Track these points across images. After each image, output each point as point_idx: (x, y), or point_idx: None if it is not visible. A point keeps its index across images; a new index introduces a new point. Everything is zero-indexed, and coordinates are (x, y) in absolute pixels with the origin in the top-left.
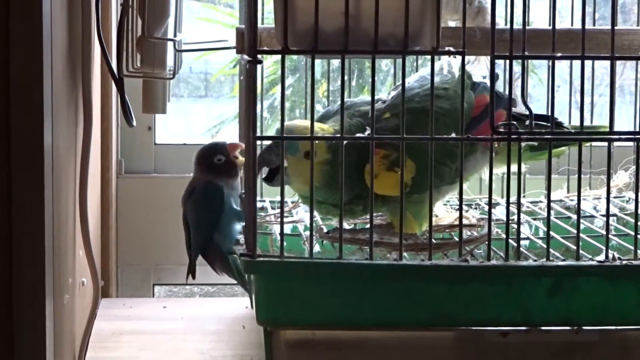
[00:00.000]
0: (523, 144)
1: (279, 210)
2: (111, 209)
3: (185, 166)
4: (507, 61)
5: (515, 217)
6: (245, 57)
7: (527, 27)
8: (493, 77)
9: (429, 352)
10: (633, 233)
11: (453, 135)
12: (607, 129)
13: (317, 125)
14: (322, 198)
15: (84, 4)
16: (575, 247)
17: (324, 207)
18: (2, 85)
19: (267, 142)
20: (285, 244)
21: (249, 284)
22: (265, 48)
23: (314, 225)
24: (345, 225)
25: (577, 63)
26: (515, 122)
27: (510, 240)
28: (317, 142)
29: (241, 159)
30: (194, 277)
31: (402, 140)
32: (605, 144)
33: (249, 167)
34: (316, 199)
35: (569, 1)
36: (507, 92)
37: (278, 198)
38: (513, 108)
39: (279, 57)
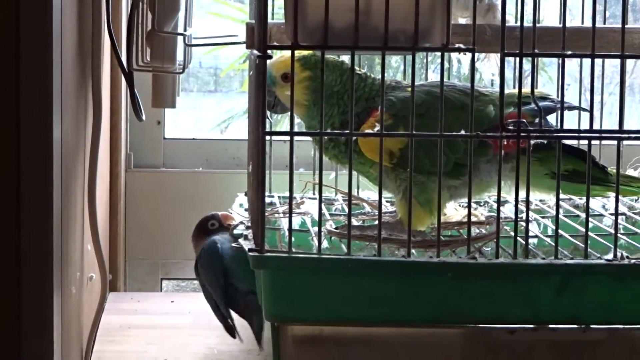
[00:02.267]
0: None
1: (287, 206)
2: (120, 203)
3: (194, 161)
4: (517, 59)
5: (523, 215)
6: (255, 52)
7: (537, 25)
8: (503, 74)
9: (436, 349)
10: None
11: (462, 132)
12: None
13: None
14: (316, 117)
15: None
16: (583, 246)
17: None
18: (12, 78)
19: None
20: (293, 239)
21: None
22: (275, 43)
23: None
24: (354, 222)
25: (587, 61)
26: (524, 120)
27: (518, 238)
28: (293, 61)
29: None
30: (233, 336)
31: (412, 137)
32: (615, 142)
33: (257, 163)
34: (316, 124)
35: None
36: (516, 89)
37: (287, 193)
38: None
39: (288, 52)
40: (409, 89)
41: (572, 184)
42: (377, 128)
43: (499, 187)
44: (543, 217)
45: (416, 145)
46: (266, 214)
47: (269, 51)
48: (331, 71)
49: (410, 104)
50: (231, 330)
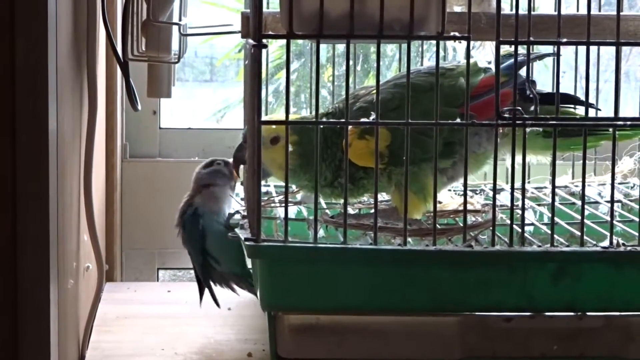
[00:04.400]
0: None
1: (283, 195)
2: (116, 193)
3: (190, 150)
4: (513, 46)
5: (519, 203)
6: (251, 41)
7: (532, 13)
8: (498, 62)
9: (432, 337)
10: (637, 219)
11: (459, 122)
12: None
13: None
14: (305, 180)
15: None
16: (579, 233)
17: (321, 191)
18: (7, 68)
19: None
20: (289, 228)
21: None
22: (270, 32)
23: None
24: (350, 210)
25: (582, 49)
26: (520, 108)
27: (514, 226)
28: (280, 129)
29: (237, 175)
30: (217, 305)
31: (407, 125)
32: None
33: (253, 152)
34: (304, 184)
35: None
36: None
37: (283, 182)
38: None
39: (284, 41)
40: (374, 91)
41: (565, 140)
42: (373, 117)
43: (494, 174)
44: (539, 205)
45: (401, 139)
46: (262, 203)
47: (264, 40)
48: (314, 132)
49: (383, 103)
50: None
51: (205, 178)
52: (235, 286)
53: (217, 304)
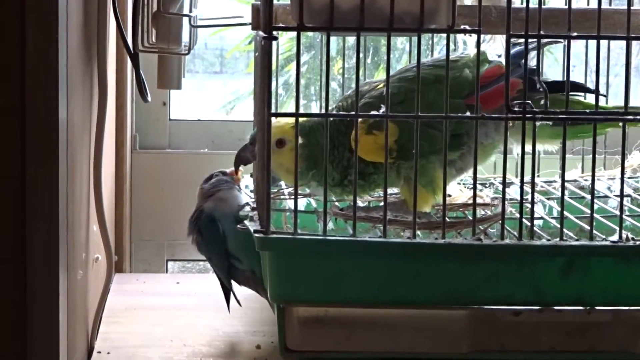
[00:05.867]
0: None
1: (292, 188)
2: (125, 184)
3: (199, 142)
4: (523, 40)
5: (529, 197)
6: (261, 33)
7: (543, 6)
8: (508, 56)
9: (441, 330)
10: None
11: (469, 115)
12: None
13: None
14: (314, 181)
15: None
16: (588, 227)
17: (331, 190)
18: (17, 59)
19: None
20: (299, 221)
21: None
22: (280, 24)
23: (327, 202)
24: (359, 203)
25: (592, 43)
26: (529, 101)
27: (524, 220)
28: (286, 132)
29: (239, 176)
30: (239, 304)
31: (417, 118)
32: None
33: (263, 144)
34: (312, 185)
35: None
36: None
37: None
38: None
39: (294, 33)
40: (378, 86)
41: (573, 127)
42: (383, 110)
43: (504, 168)
44: (548, 199)
45: (409, 133)
46: (272, 195)
47: (274, 32)
48: (322, 134)
49: (389, 97)
50: (232, 297)
51: (210, 189)
52: (256, 285)
53: (239, 303)
